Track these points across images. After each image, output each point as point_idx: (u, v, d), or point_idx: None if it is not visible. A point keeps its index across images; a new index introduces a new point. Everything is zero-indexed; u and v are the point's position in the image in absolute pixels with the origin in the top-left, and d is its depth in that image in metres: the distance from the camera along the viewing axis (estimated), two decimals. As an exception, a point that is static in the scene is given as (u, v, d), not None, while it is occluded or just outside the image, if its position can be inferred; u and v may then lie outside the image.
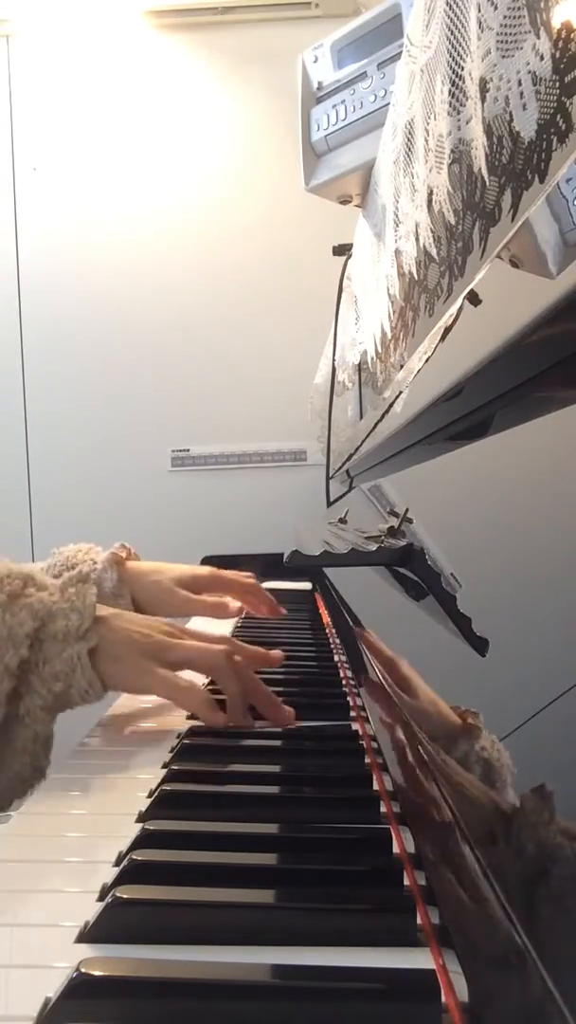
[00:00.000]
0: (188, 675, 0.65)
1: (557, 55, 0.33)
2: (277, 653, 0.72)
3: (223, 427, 2.46)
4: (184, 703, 0.63)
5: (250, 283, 2.44)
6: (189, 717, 0.66)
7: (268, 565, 1.75)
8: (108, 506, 2.45)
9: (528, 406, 0.47)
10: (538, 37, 0.35)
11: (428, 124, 0.57)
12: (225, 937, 0.33)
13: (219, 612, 0.92)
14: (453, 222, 0.53)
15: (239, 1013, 0.29)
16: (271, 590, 1.62)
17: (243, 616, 1.24)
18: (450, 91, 0.50)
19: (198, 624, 1.02)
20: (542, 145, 0.36)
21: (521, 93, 0.37)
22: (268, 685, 0.75)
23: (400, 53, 0.64)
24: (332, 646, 0.97)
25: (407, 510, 0.79)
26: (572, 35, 0.32)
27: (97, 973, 0.29)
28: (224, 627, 1.12)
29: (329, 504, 1.54)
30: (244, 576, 1.00)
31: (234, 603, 0.95)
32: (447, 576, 0.59)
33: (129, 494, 2.47)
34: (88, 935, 0.34)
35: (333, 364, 1.42)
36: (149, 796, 0.49)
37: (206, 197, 2.45)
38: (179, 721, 0.66)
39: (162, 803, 0.47)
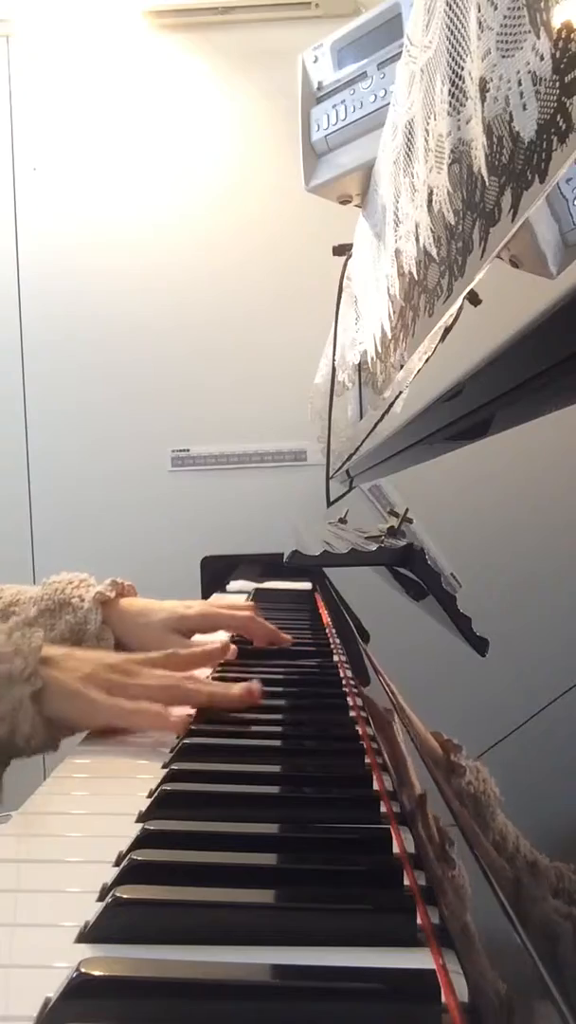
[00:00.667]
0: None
1: (557, 55, 0.33)
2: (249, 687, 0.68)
3: (223, 427, 2.46)
4: (139, 724, 0.63)
5: (250, 283, 2.44)
6: (189, 716, 0.66)
7: (268, 565, 1.75)
8: (108, 506, 2.46)
9: (528, 406, 0.47)
10: (538, 37, 0.35)
11: (428, 124, 0.57)
12: (225, 937, 0.33)
13: (207, 661, 0.84)
14: (453, 222, 0.53)
15: (239, 1013, 0.29)
16: (271, 590, 1.62)
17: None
18: (450, 91, 0.50)
19: None
20: (542, 145, 0.36)
21: (521, 93, 0.37)
22: (268, 685, 0.75)
23: (400, 53, 0.65)
24: (332, 646, 0.97)
25: (407, 510, 0.79)
26: (572, 35, 0.32)
27: (97, 973, 0.29)
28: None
29: (329, 504, 1.54)
30: (239, 609, 0.95)
31: (225, 649, 0.86)
32: (447, 576, 0.59)
33: (129, 494, 2.47)
34: (88, 935, 0.34)
35: (333, 364, 1.42)
36: (149, 796, 0.49)
37: (206, 197, 2.45)
38: (187, 721, 0.66)
39: (162, 803, 0.47)
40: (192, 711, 0.65)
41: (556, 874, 0.25)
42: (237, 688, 0.66)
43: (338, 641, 1.00)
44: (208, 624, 0.91)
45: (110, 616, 0.88)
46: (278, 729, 0.63)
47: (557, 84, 0.34)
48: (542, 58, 0.35)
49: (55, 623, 0.86)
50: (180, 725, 0.62)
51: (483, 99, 0.43)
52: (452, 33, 0.48)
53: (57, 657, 0.65)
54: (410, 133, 0.64)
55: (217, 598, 1.61)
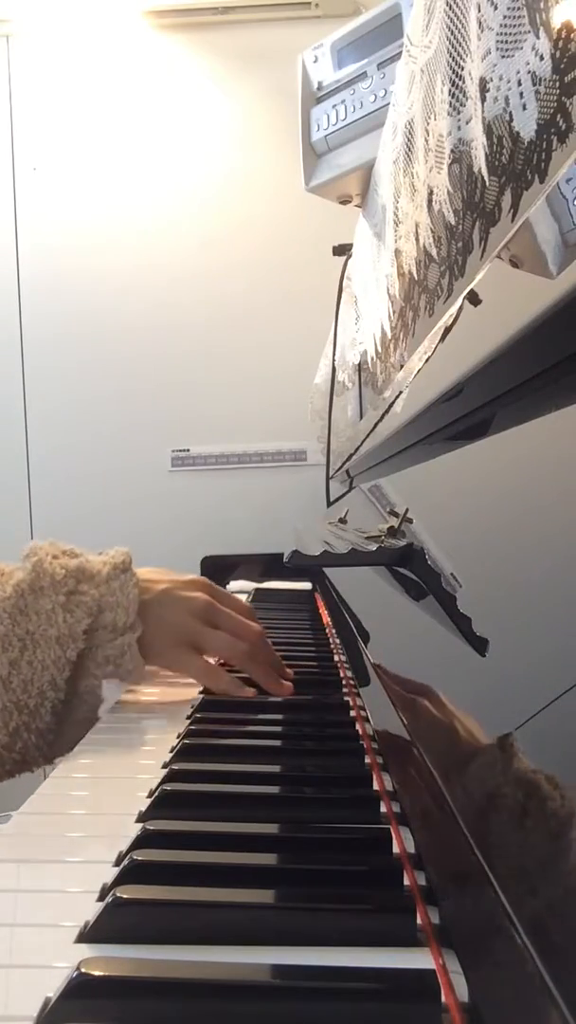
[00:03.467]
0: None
1: (557, 55, 0.33)
2: (288, 678, 0.76)
3: (223, 427, 2.46)
4: (213, 685, 0.71)
5: (250, 283, 2.44)
6: (189, 716, 0.66)
7: (268, 565, 1.75)
8: (108, 506, 2.45)
9: (528, 406, 0.47)
10: (538, 37, 0.35)
11: (428, 124, 0.57)
12: (225, 937, 0.33)
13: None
14: (453, 222, 0.53)
15: (239, 1013, 0.29)
16: (271, 590, 1.62)
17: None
18: (450, 91, 0.50)
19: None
20: (542, 145, 0.36)
21: (521, 93, 0.37)
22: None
23: (400, 53, 0.65)
24: (332, 646, 0.97)
25: (407, 510, 0.79)
26: (572, 35, 0.32)
27: (97, 973, 0.29)
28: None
29: (329, 504, 1.54)
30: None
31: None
32: (447, 576, 0.59)
33: (129, 494, 2.47)
34: (88, 935, 0.34)
35: (333, 364, 1.42)
36: (149, 796, 0.49)
37: (206, 197, 2.45)
38: (179, 722, 0.66)
39: (162, 803, 0.47)
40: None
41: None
42: (286, 686, 0.73)
43: (338, 641, 1.00)
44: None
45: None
46: (278, 729, 0.63)
47: (557, 84, 0.34)
48: (542, 58, 0.35)
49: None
50: (251, 691, 0.70)
51: (483, 99, 0.43)
52: (452, 33, 0.48)
53: (150, 605, 0.71)
54: (410, 133, 0.64)
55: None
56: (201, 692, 0.73)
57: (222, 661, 0.76)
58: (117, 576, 0.71)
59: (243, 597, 1.52)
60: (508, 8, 0.38)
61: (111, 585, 0.70)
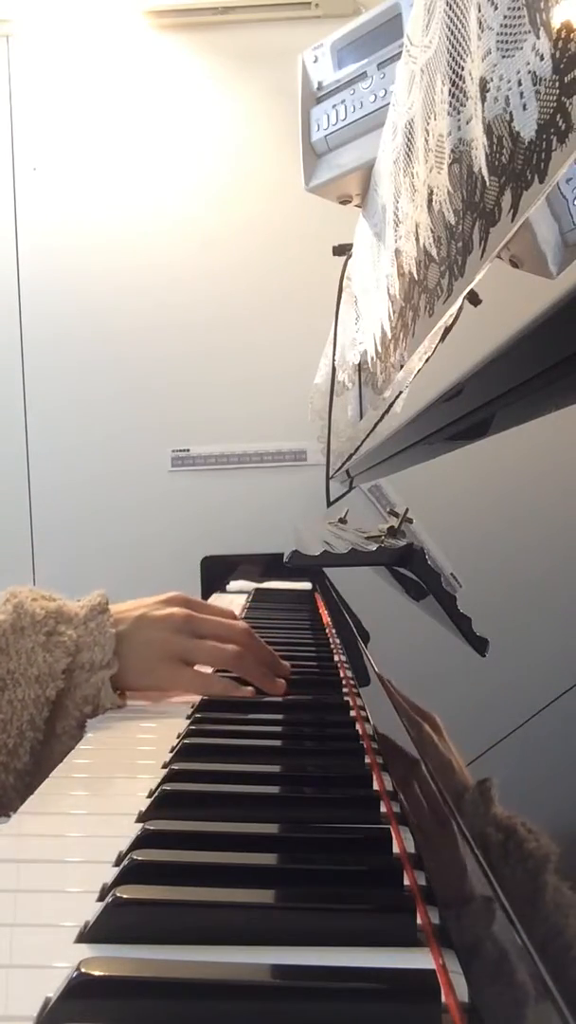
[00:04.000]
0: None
1: (557, 55, 0.33)
2: (284, 673, 0.76)
3: (223, 427, 2.47)
4: (208, 692, 0.71)
5: (250, 283, 2.44)
6: (189, 716, 0.66)
7: (268, 565, 1.75)
8: (108, 506, 2.46)
9: (528, 406, 0.47)
10: (538, 37, 0.35)
11: (428, 124, 0.57)
12: (225, 937, 0.33)
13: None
14: (453, 222, 0.53)
15: (239, 1013, 0.29)
16: (271, 590, 1.62)
17: (243, 617, 1.24)
18: (450, 91, 0.50)
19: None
20: (542, 145, 0.36)
21: (521, 93, 0.37)
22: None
23: (400, 53, 0.65)
24: (332, 646, 0.97)
25: (407, 510, 0.79)
26: (572, 35, 0.32)
27: (97, 973, 0.29)
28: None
29: (329, 504, 1.54)
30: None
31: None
32: (447, 576, 0.59)
33: (129, 494, 2.47)
34: (88, 935, 0.34)
35: (333, 364, 1.42)
36: (149, 796, 0.49)
37: (206, 197, 2.45)
38: (179, 721, 0.66)
39: (162, 803, 0.47)
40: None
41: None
42: (280, 684, 0.73)
43: (338, 641, 1.00)
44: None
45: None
46: (278, 729, 0.63)
47: (557, 84, 0.34)
48: (542, 58, 0.35)
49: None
50: (250, 691, 0.70)
51: (483, 99, 0.43)
52: (452, 33, 0.48)
53: (128, 634, 0.72)
54: (410, 133, 0.64)
55: (216, 598, 1.61)
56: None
57: (216, 669, 0.76)
58: (94, 617, 0.72)
59: (243, 597, 1.53)
60: (508, 8, 0.38)
61: (88, 626, 0.71)
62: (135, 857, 0.38)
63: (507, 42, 0.39)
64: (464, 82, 0.47)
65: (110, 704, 0.70)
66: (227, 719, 0.66)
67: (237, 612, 1.28)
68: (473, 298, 0.51)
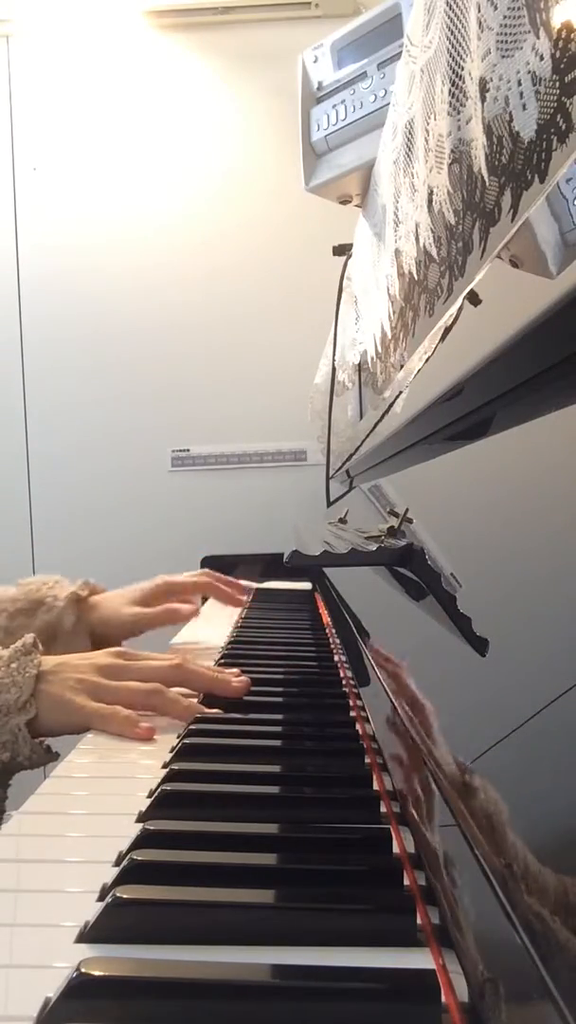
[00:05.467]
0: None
1: (557, 55, 0.33)
2: (241, 681, 0.73)
3: (223, 427, 2.46)
4: (110, 729, 0.66)
5: (250, 283, 2.44)
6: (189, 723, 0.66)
7: (268, 565, 1.75)
8: (108, 506, 2.45)
9: (528, 406, 0.47)
10: (538, 37, 0.35)
11: (428, 124, 0.57)
12: (225, 937, 0.33)
13: (172, 618, 0.96)
14: (453, 222, 0.53)
15: (239, 1013, 0.29)
16: (271, 590, 1.62)
17: (243, 617, 1.24)
18: (450, 91, 0.50)
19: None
20: (542, 145, 0.36)
21: (521, 93, 0.37)
22: (269, 686, 0.75)
23: (400, 53, 0.65)
24: (332, 646, 0.97)
25: (407, 510, 0.79)
26: (572, 35, 0.32)
27: (97, 973, 0.29)
28: (224, 629, 1.12)
29: (329, 504, 1.54)
30: (194, 575, 1.03)
31: (186, 606, 0.98)
32: (447, 576, 0.59)
33: (129, 494, 2.47)
34: (88, 935, 0.34)
35: (333, 364, 1.42)
36: (149, 796, 0.49)
37: (206, 197, 2.45)
38: (179, 722, 0.66)
39: (162, 803, 0.47)
40: (171, 718, 0.68)
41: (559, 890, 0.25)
42: (230, 687, 0.71)
43: (338, 641, 1.00)
44: (170, 591, 1.00)
45: (83, 614, 0.94)
46: (278, 729, 0.63)
47: (557, 84, 0.34)
48: (542, 58, 0.35)
49: (31, 622, 0.92)
50: (148, 732, 0.64)
51: (483, 99, 0.43)
52: (452, 33, 0.48)
53: (52, 671, 0.69)
54: (410, 133, 0.64)
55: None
56: (202, 694, 0.72)
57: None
58: (17, 658, 0.69)
59: (242, 597, 1.52)
60: (508, 8, 0.38)
61: (10, 667, 0.68)
62: (135, 857, 0.38)
63: (507, 42, 0.39)
64: (464, 82, 0.47)
65: (29, 752, 0.66)
66: (227, 719, 0.66)
67: (237, 612, 1.29)
68: (473, 298, 0.51)
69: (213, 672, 0.73)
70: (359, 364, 1.25)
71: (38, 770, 0.70)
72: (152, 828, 0.42)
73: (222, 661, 0.88)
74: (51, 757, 0.68)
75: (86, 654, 0.74)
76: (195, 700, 0.70)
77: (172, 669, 0.72)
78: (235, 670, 0.74)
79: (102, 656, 0.73)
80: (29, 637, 0.72)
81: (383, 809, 0.45)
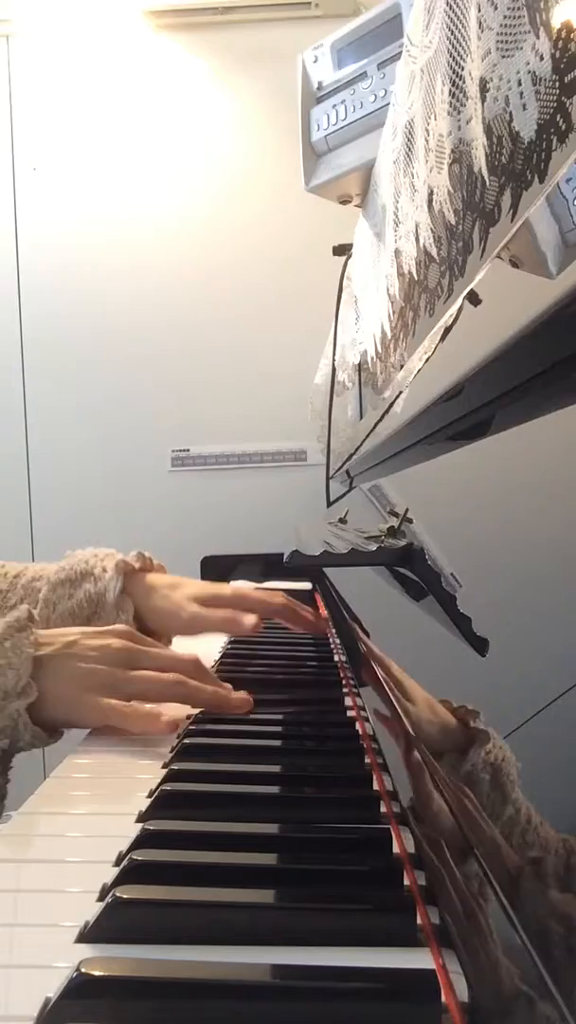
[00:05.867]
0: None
1: (557, 55, 0.33)
2: (241, 697, 0.67)
3: (223, 427, 2.46)
4: (133, 727, 0.62)
5: (250, 283, 2.44)
6: (189, 716, 0.66)
7: (268, 565, 1.75)
8: (108, 506, 2.45)
9: (528, 406, 0.47)
10: (538, 37, 0.35)
11: (428, 124, 0.57)
12: (225, 937, 0.33)
13: (231, 627, 0.81)
14: (453, 222, 0.53)
15: (239, 1013, 0.29)
16: (271, 590, 1.62)
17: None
18: (450, 91, 0.50)
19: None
20: (542, 145, 0.36)
21: (521, 93, 0.37)
22: (269, 685, 0.75)
23: (400, 53, 0.64)
24: (332, 646, 0.97)
25: (407, 510, 0.79)
26: (572, 35, 0.32)
27: (97, 973, 0.29)
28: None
29: (329, 504, 1.54)
30: (273, 595, 0.88)
31: (249, 617, 0.81)
32: (447, 576, 0.59)
33: (129, 494, 2.47)
34: (88, 935, 0.34)
35: (333, 364, 1.42)
36: (149, 796, 0.49)
37: (206, 197, 2.45)
38: (179, 722, 0.66)
39: (162, 803, 0.47)
40: (190, 711, 0.65)
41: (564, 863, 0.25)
42: (236, 696, 0.66)
43: (338, 641, 1.00)
44: (240, 605, 0.84)
45: (133, 589, 0.84)
46: (278, 729, 0.63)
47: (557, 84, 0.34)
48: (542, 58, 0.35)
49: (74, 592, 0.83)
50: (172, 726, 0.61)
51: (483, 99, 0.43)
52: (452, 33, 0.48)
53: (53, 658, 0.63)
54: (410, 133, 0.64)
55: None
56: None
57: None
58: (10, 635, 0.63)
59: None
60: (508, 8, 0.38)
61: (3, 646, 0.62)
62: (135, 857, 0.38)
63: (507, 42, 0.39)
64: (464, 82, 0.47)
65: (31, 738, 0.61)
66: (227, 719, 0.66)
67: (252, 626, 1.28)
68: (473, 298, 0.51)
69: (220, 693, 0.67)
70: (359, 364, 1.25)
71: (38, 770, 0.70)
72: (152, 828, 0.42)
73: (222, 661, 0.88)
74: (55, 738, 0.64)
75: (91, 630, 0.67)
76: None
77: (191, 664, 0.66)
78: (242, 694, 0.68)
79: (112, 638, 0.66)
80: (22, 610, 0.65)
81: (383, 809, 0.45)
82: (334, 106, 1.04)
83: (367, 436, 1.13)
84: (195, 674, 0.66)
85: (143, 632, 0.74)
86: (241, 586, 0.90)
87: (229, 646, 0.98)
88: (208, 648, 0.97)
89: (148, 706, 0.62)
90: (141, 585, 0.85)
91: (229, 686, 0.68)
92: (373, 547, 0.73)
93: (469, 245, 0.50)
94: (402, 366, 0.79)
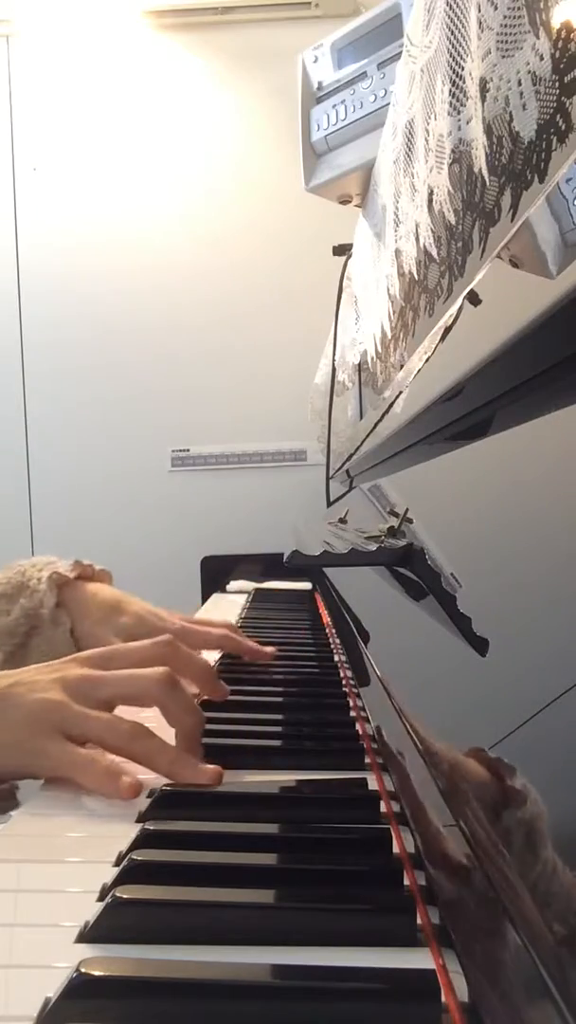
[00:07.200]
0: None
1: (557, 55, 0.33)
2: (211, 771, 0.51)
3: (223, 427, 2.47)
4: (85, 781, 0.50)
5: (250, 283, 2.44)
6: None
7: (268, 565, 1.75)
8: (108, 506, 2.46)
9: (528, 406, 0.47)
10: (538, 37, 0.35)
11: (428, 124, 0.57)
12: (225, 937, 0.33)
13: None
14: (453, 222, 0.53)
15: (239, 1013, 0.29)
16: (271, 590, 1.62)
17: (243, 617, 1.24)
18: (450, 91, 0.50)
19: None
20: (542, 145, 0.36)
21: (521, 93, 0.37)
22: (269, 686, 0.75)
23: (400, 53, 0.65)
24: (332, 646, 0.97)
25: (407, 510, 0.79)
26: (572, 35, 0.32)
27: (97, 973, 0.29)
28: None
29: (329, 504, 1.54)
30: (212, 628, 0.78)
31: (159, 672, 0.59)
32: (447, 576, 0.59)
33: (129, 494, 2.47)
34: (88, 935, 0.34)
35: (333, 364, 1.42)
36: (149, 796, 0.49)
37: (206, 197, 2.45)
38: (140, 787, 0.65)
39: (162, 803, 0.47)
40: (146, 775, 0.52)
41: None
42: (205, 770, 0.51)
43: (338, 641, 1.00)
44: (186, 640, 0.68)
45: (69, 602, 0.76)
46: (278, 729, 0.63)
47: (557, 84, 0.34)
48: (542, 58, 0.35)
49: (11, 608, 0.76)
50: (132, 790, 0.49)
51: (483, 99, 0.43)
52: (452, 33, 0.48)
53: (2, 696, 0.52)
54: (410, 133, 0.64)
55: (216, 598, 1.61)
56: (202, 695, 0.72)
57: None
58: None
59: (243, 597, 1.53)
60: (508, 8, 0.38)
61: None
62: (135, 857, 0.38)
63: (507, 42, 0.39)
64: (464, 82, 0.47)
65: None
66: (227, 719, 0.66)
67: (237, 612, 1.29)
68: (473, 298, 0.51)
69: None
70: (359, 364, 1.25)
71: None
72: (152, 828, 0.42)
73: (223, 661, 0.88)
74: (9, 801, 0.55)
75: (53, 664, 0.56)
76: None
77: (159, 685, 0.54)
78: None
79: (69, 667, 0.55)
80: None
81: (383, 809, 0.45)
82: (334, 106, 1.04)
83: (367, 436, 1.13)
84: (165, 697, 0.54)
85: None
86: (185, 620, 0.80)
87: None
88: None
89: (107, 761, 0.51)
90: (79, 599, 0.77)
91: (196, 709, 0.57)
92: (373, 547, 0.73)
93: (469, 245, 0.50)
94: (402, 366, 0.79)
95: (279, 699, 0.72)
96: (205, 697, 0.66)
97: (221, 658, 0.88)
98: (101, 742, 0.51)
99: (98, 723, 0.52)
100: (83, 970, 0.29)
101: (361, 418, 1.32)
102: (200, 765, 0.51)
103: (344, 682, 0.78)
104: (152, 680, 0.54)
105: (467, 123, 0.47)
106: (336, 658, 0.89)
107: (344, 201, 1.09)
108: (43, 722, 0.51)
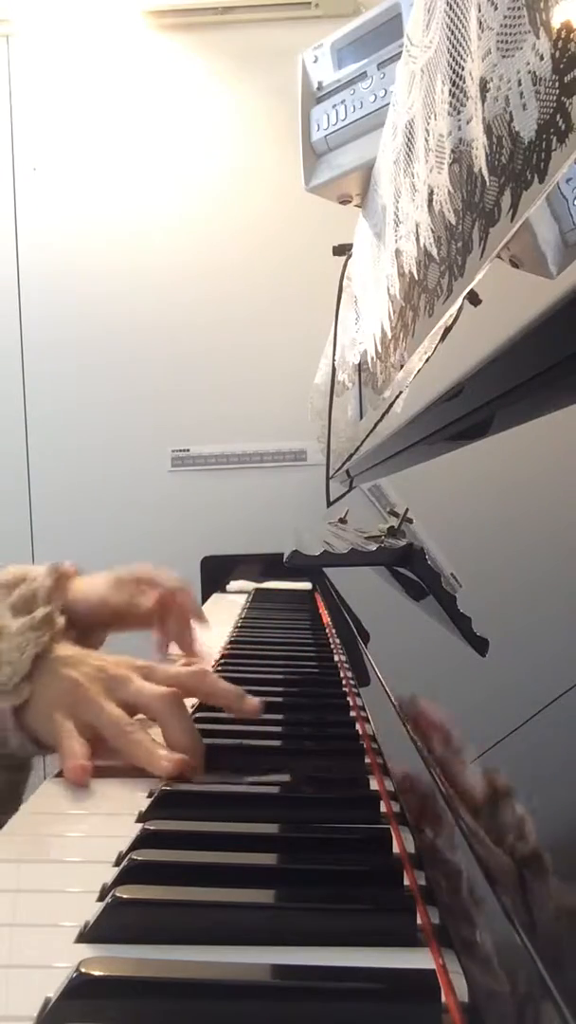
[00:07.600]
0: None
1: (557, 55, 0.33)
2: (253, 702, 0.61)
3: (223, 427, 2.46)
4: (67, 773, 0.53)
5: (250, 283, 2.44)
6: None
7: (268, 565, 1.75)
8: (108, 506, 2.45)
9: (528, 406, 0.47)
10: (538, 37, 0.35)
11: (428, 124, 0.57)
12: (225, 937, 0.33)
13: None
14: (453, 222, 0.53)
15: (239, 1013, 0.29)
16: (271, 590, 1.62)
17: (243, 617, 1.24)
18: (450, 91, 0.50)
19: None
20: (542, 145, 0.36)
21: (521, 93, 0.37)
22: (269, 685, 0.75)
23: (400, 53, 0.64)
24: (332, 646, 0.97)
25: (407, 510, 0.79)
26: (572, 35, 0.32)
27: (97, 973, 0.29)
28: (224, 628, 1.12)
29: (329, 504, 1.54)
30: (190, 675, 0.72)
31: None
32: (447, 576, 0.59)
33: (129, 494, 2.47)
34: (88, 935, 0.34)
35: (333, 364, 1.42)
36: (149, 796, 0.49)
37: (206, 197, 2.45)
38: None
39: (162, 803, 0.47)
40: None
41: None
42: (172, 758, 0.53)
43: (338, 641, 1.00)
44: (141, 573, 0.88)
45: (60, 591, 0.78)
46: (278, 729, 0.63)
47: (557, 84, 0.34)
48: (542, 58, 0.35)
49: (7, 594, 0.74)
50: (175, 768, 0.52)
51: (483, 99, 0.43)
52: (452, 33, 0.48)
53: (52, 663, 0.59)
54: (410, 133, 0.64)
55: (216, 598, 1.61)
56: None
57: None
58: (23, 632, 0.59)
59: (243, 597, 1.53)
60: (508, 8, 0.38)
61: (13, 640, 0.59)
62: (135, 857, 0.38)
63: (507, 42, 0.39)
64: (464, 82, 0.47)
65: (17, 744, 0.57)
66: (227, 719, 0.66)
67: (237, 612, 1.29)
68: (473, 298, 0.51)
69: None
70: (359, 364, 1.25)
71: (38, 770, 0.69)
72: (152, 828, 0.42)
73: (223, 661, 0.88)
74: (38, 751, 0.59)
75: (111, 657, 0.62)
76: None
77: (163, 703, 0.57)
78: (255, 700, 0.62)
79: (110, 664, 0.61)
80: (41, 611, 0.62)
81: (383, 809, 0.45)
82: (334, 106, 1.04)
83: (367, 436, 1.13)
84: (167, 715, 0.57)
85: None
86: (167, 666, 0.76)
87: (228, 647, 0.98)
88: (209, 648, 0.97)
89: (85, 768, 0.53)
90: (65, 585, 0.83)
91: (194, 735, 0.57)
92: (373, 547, 0.73)
93: (469, 245, 0.50)
94: (402, 366, 0.79)
95: (279, 699, 0.72)
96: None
97: (221, 658, 0.88)
98: (104, 732, 0.56)
99: (104, 713, 0.56)
100: (83, 970, 0.29)
101: (361, 418, 1.32)
102: (170, 754, 0.53)
103: (344, 682, 0.78)
104: (156, 695, 0.58)
105: (467, 123, 0.47)
106: (336, 658, 0.89)
107: (344, 201, 1.09)
108: (63, 700, 0.57)
